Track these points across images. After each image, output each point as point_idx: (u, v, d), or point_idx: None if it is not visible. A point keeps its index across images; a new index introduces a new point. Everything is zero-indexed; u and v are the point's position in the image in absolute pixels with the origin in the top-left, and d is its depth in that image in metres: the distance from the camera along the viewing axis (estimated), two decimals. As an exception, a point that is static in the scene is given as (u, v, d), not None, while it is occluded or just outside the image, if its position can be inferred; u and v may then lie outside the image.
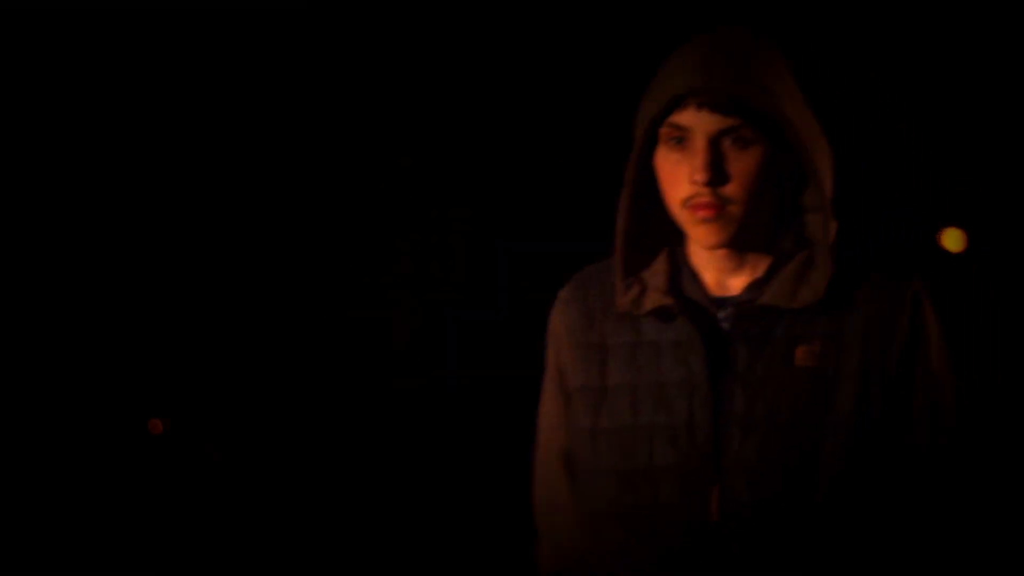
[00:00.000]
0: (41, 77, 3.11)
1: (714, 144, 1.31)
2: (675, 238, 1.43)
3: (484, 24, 3.20)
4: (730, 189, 1.32)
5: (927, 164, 3.40)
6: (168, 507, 3.41)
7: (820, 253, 1.38)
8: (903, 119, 3.46)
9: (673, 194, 1.35)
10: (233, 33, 3.20)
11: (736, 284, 1.41)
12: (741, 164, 1.32)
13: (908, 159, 3.44)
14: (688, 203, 1.33)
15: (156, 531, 3.38)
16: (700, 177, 1.31)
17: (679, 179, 1.33)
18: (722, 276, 1.41)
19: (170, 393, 3.42)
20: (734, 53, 1.37)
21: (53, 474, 3.30)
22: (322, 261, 3.36)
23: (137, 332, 3.39)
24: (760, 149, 1.33)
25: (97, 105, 3.20)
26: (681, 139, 1.33)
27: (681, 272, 1.42)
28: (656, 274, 1.41)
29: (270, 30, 3.21)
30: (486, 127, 3.28)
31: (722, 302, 1.40)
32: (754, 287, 1.40)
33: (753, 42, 1.42)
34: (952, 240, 3.44)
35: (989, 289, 3.42)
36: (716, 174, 1.31)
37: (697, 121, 1.31)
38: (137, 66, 3.21)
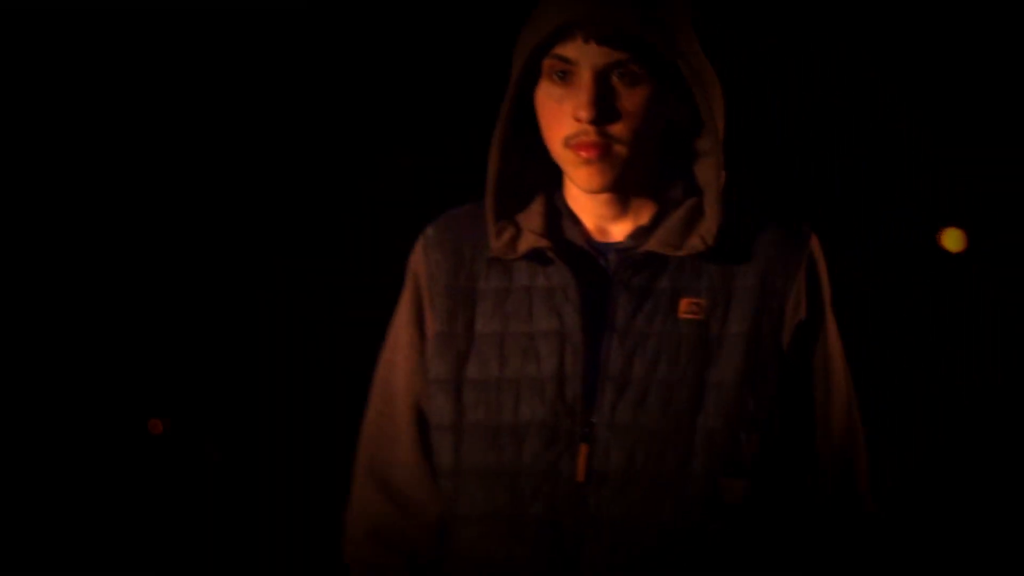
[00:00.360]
0: (41, 77, 3.11)
1: (601, 79, 1.22)
2: (556, 182, 1.34)
3: (484, 24, 3.20)
4: (616, 128, 1.23)
5: (927, 164, 3.40)
6: (168, 507, 3.41)
7: (710, 201, 1.28)
8: (903, 119, 3.46)
9: (554, 132, 1.26)
10: (233, 33, 3.20)
11: (619, 231, 1.32)
12: (629, 102, 1.22)
13: (908, 159, 3.44)
14: (570, 142, 1.24)
15: (156, 531, 3.37)
16: (584, 114, 1.22)
17: (561, 116, 1.24)
18: (604, 222, 1.32)
19: (170, 393, 3.42)
20: None
21: (53, 474, 3.30)
22: (322, 261, 3.36)
23: (137, 332, 3.38)
24: (650, 87, 1.23)
25: (97, 105, 3.20)
26: (565, 73, 1.23)
27: (560, 216, 1.33)
28: (532, 216, 1.31)
29: (270, 30, 3.21)
30: (486, 127, 3.28)
31: (603, 248, 1.31)
32: (638, 234, 1.30)
33: None
34: (952, 240, 3.44)
35: (989, 289, 3.42)
36: (602, 111, 1.22)
37: (583, 54, 1.21)
38: (137, 66, 3.21)
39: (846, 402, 1.34)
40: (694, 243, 1.26)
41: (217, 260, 3.38)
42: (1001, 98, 3.34)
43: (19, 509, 3.23)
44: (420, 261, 1.35)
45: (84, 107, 3.18)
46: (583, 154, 1.23)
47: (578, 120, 1.22)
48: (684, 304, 1.26)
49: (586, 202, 1.31)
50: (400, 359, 1.38)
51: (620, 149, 1.23)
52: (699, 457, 1.23)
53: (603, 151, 1.23)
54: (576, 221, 1.32)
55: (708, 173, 1.30)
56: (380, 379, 1.41)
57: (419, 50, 3.22)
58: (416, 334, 1.36)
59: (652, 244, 1.27)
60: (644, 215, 1.31)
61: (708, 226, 1.26)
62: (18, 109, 3.10)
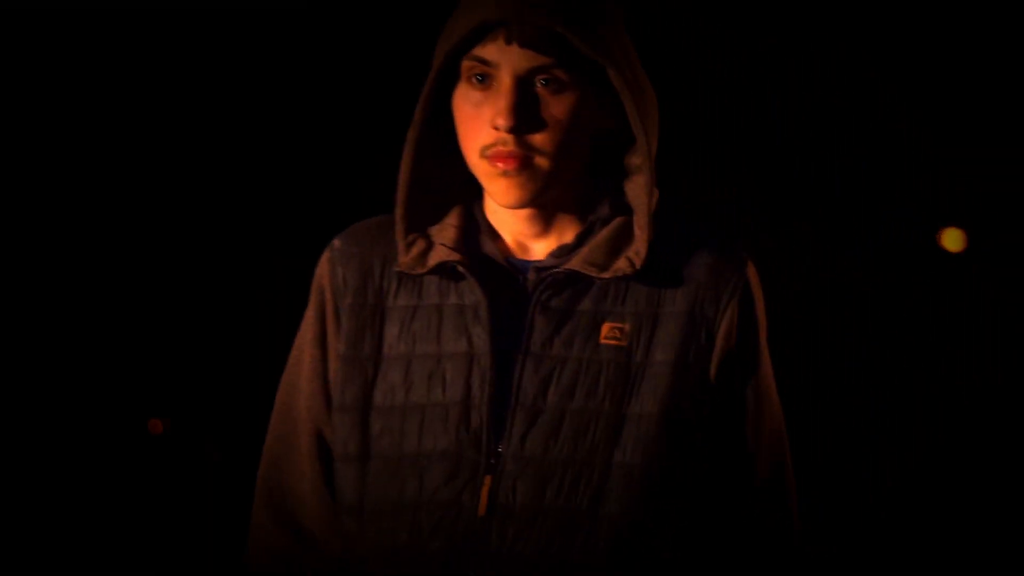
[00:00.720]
0: (40, 77, 3.11)
1: (523, 85, 1.12)
2: (477, 193, 1.24)
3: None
4: (538, 139, 1.13)
5: (927, 164, 3.40)
6: (168, 507, 3.41)
7: (639, 221, 1.18)
8: (903, 119, 3.46)
9: (471, 141, 1.16)
10: (233, 33, 3.20)
11: (540, 249, 1.22)
12: (553, 110, 1.13)
13: (908, 159, 3.43)
14: (487, 152, 1.15)
15: (156, 531, 3.37)
16: (503, 122, 1.12)
17: (479, 123, 1.15)
18: (524, 239, 1.23)
19: (170, 393, 3.42)
20: None
21: (53, 474, 3.30)
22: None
23: (137, 332, 3.38)
24: (576, 95, 1.14)
25: (97, 105, 3.20)
26: (485, 76, 1.14)
27: (478, 230, 1.23)
28: (446, 229, 1.22)
29: (270, 30, 3.20)
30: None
31: (522, 266, 1.21)
32: (560, 253, 1.21)
33: None
34: (952, 240, 3.44)
35: (989, 289, 3.42)
36: (522, 120, 1.12)
37: (504, 56, 1.12)
38: (137, 66, 3.21)
39: (777, 439, 1.26)
40: (620, 265, 1.18)
41: (217, 260, 3.37)
42: (1001, 98, 3.33)
43: (20, 509, 3.22)
44: (326, 275, 1.26)
45: (84, 107, 3.18)
46: (500, 165, 1.14)
47: (496, 128, 1.13)
48: (606, 329, 1.17)
49: (506, 217, 1.22)
50: (303, 382, 1.28)
51: (542, 162, 1.14)
52: (614, 494, 1.14)
53: (523, 163, 1.14)
54: (494, 236, 1.23)
55: (638, 191, 1.19)
56: (280, 402, 1.32)
57: (418, 49, 3.22)
58: (319, 355, 1.27)
59: (574, 263, 1.18)
60: (568, 233, 1.22)
61: (636, 248, 1.17)
62: (18, 109, 3.10)
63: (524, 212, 1.20)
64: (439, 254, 1.20)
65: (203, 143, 3.29)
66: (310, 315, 1.28)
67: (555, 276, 1.18)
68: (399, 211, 1.21)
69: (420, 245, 1.21)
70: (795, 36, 3.36)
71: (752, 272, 1.23)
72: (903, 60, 3.38)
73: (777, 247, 3.59)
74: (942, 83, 3.37)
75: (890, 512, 4.17)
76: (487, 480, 1.15)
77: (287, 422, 1.28)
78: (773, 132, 3.45)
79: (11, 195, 3.13)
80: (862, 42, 3.39)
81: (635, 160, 1.20)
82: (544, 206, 1.20)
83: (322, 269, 1.27)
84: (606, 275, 1.17)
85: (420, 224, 1.22)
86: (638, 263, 1.16)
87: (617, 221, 1.21)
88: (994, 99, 3.34)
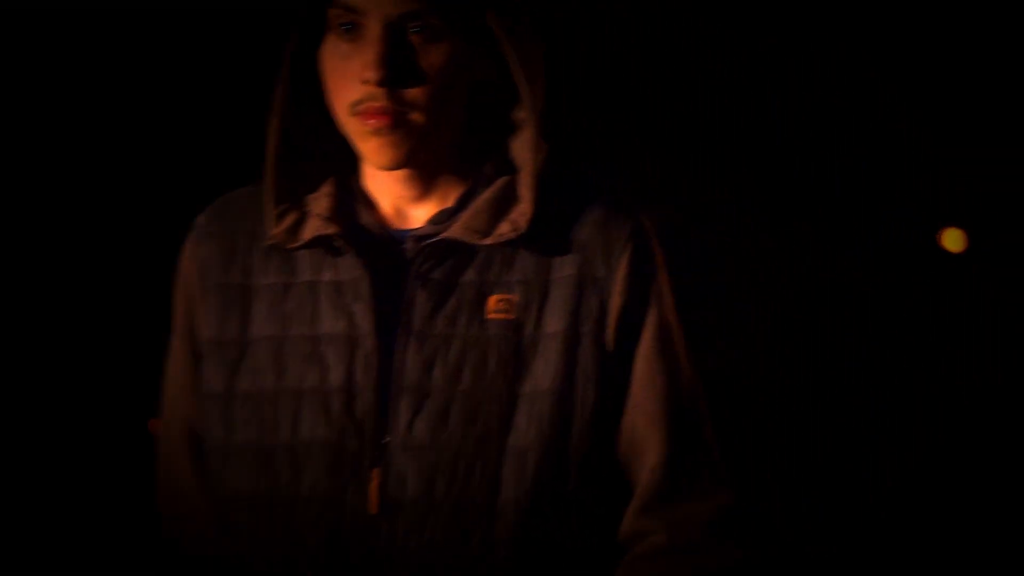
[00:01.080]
0: (40, 76, 3.11)
1: (393, 34, 1.02)
2: (351, 160, 1.14)
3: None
4: (412, 93, 1.03)
5: (927, 164, 3.40)
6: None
7: (525, 181, 1.08)
8: (903, 119, 3.46)
9: (340, 97, 1.06)
10: (232, 33, 3.20)
11: (420, 215, 1.12)
12: (427, 61, 1.03)
13: (908, 159, 3.44)
14: (357, 108, 1.05)
15: (156, 530, 3.37)
16: (372, 75, 1.02)
17: (347, 78, 1.05)
18: (403, 205, 1.12)
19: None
20: None
21: (52, 474, 3.29)
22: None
23: (136, 332, 3.38)
24: (453, 44, 1.04)
25: (96, 104, 3.20)
26: (352, 26, 1.04)
27: (355, 200, 1.13)
28: (320, 199, 1.12)
29: (269, 30, 3.20)
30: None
31: (401, 236, 1.11)
32: (441, 219, 1.11)
33: None
34: (952, 240, 3.44)
35: (989, 289, 3.42)
36: (394, 72, 1.02)
37: (372, 2, 1.02)
38: (136, 66, 3.21)
39: (688, 410, 1.11)
40: (504, 230, 1.07)
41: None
42: (1001, 98, 3.34)
43: (18, 509, 3.22)
44: (189, 257, 1.16)
45: (83, 106, 3.18)
46: (372, 122, 1.04)
47: (366, 82, 1.03)
48: (493, 301, 1.07)
49: (383, 182, 1.11)
50: (176, 372, 1.19)
51: (417, 117, 1.04)
52: (508, 482, 1.04)
53: (396, 119, 1.03)
54: (371, 205, 1.13)
55: (523, 148, 1.09)
56: (164, 393, 1.23)
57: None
58: (188, 343, 1.16)
59: (455, 230, 1.08)
60: (449, 197, 1.11)
61: (522, 209, 1.07)
62: (17, 108, 3.10)
63: (400, 174, 1.10)
64: (314, 226, 1.09)
65: (202, 143, 3.28)
66: (177, 304, 1.18)
67: (434, 245, 1.08)
68: (268, 180, 1.09)
69: (292, 216, 1.10)
70: (795, 36, 3.36)
71: (648, 226, 1.11)
72: (903, 60, 3.38)
73: (777, 247, 3.59)
74: (942, 83, 3.37)
75: (890, 512, 4.17)
76: (374, 473, 1.05)
77: (167, 415, 1.20)
78: (773, 132, 3.45)
79: (10, 194, 3.13)
80: (862, 42, 3.39)
81: (520, 114, 1.10)
82: (422, 167, 1.09)
83: (185, 255, 1.17)
84: (488, 241, 1.07)
85: (293, 194, 1.11)
86: (523, 225, 1.06)
87: (501, 181, 1.10)
88: (994, 99, 3.35)
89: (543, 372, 1.05)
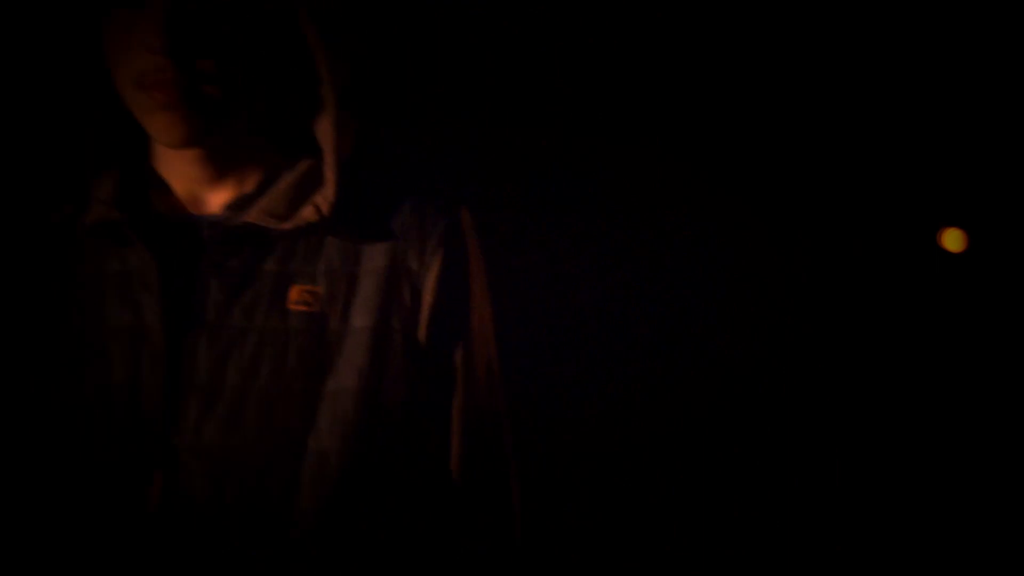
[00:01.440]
0: (39, 75, 3.10)
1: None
2: (141, 141, 1.05)
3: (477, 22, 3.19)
4: (204, 64, 0.94)
5: (927, 164, 3.40)
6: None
7: (328, 160, 1.00)
8: (903, 119, 3.45)
9: (123, 70, 0.97)
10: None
11: (217, 200, 1.03)
12: (222, 29, 0.94)
13: (908, 159, 3.43)
14: (143, 81, 0.95)
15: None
16: (158, 42, 0.92)
17: (131, 48, 0.95)
18: (197, 188, 1.03)
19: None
20: None
21: (52, 473, 3.29)
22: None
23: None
24: (249, 12, 0.96)
25: (96, 103, 3.19)
26: None
27: (145, 184, 1.04)
28: (105, 183, 1.03)
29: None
30: (485, 125, 3.28)
31: (196, 222, 1.03)
32: (239, 204, 1.02)
33: None
34: (952, 240, 3.44)
35: (989, 289, 3.42)
36: (183, 40, 0.93)
37: None
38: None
39: (488, 417, 1.05)
40: (306, 214, 0.99)
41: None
42: (1001, 98, 3.33)
43: (17, 508, 3.22)
44: None
45: (83, 105, 3.17)
46: (159, 96, 0.94)
47: (151, 52, 0.93)
48: (295, 292, 0.98)
49: (175, 164, 1.02)
50: None
51: (209, 90, 0.94)
52: (308, 487, 0.96)
53: (186, 93, 0.94)
54: (164, 189, 1.03)
55: (326, 128, 1.00)
56: None
57: (418, 48, 3.21)
58: None
59: (253, 215, 1.00)
60: (249, 181, 1.03)
61: (325, 193, 0.99)
62: (15, 107, 3.09)
63: (193, 154, 1.00)
64: (97, 212, 1.01)
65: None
66: None
67: (230, 231, 1.00)
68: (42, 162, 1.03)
69: (74, 202, 1.03)
70: (795, 36, 3.36)
71: (465, 219, 1.04)
72: (903, 60, 3.37)
73: (777, 247, 3.58)
74: (942, 83, 3.37)
75: (890, 511, 4.17)
76: (158, 476, 0.96)
77: None
78: (773, 132, 3.45)
79: (10, 193, 3.13)
80: (862, 42, 3.38)
81: (323, 91, 1.00)
82: (217, 147, 1.00)
83: None
84: (287, 226, 0.99)
85: (76, 178, 1.04)
86: (325, 209, 0.98)
87: (304, 164, 1.02)
88: (994, 99, 3.34)
89: (348, 369, 0.97)
